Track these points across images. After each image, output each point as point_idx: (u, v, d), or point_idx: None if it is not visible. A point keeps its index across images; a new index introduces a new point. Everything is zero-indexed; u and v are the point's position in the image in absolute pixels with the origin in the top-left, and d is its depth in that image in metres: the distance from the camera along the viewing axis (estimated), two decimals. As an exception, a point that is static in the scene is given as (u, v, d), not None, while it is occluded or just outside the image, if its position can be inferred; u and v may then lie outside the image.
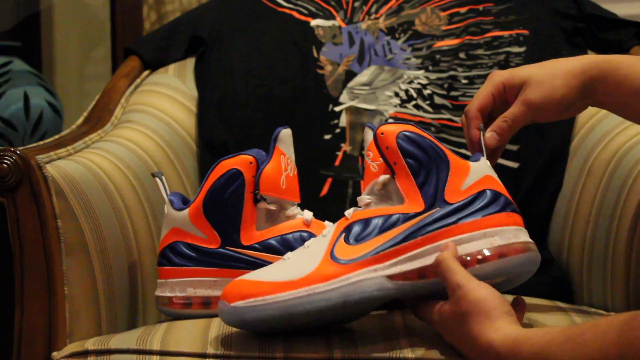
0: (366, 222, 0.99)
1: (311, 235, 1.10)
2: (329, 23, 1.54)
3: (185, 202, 1.14)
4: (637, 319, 0.79)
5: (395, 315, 1.06)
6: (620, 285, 1.20)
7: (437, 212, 0.97)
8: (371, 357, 0.97)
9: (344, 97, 1.48)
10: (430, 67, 1.48)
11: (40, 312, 1.08)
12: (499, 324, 0.91)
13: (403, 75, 1.48)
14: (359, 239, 0.98)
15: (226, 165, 1.11)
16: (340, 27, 1.53)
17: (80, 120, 1.40)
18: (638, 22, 1.46)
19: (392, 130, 0.99)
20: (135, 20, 2.08)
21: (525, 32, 1.49)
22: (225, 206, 1.10)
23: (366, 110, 1.47)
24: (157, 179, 1.17)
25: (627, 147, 1.27)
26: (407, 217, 0.98)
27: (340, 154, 1.45)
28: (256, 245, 1.10)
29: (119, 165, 1.27)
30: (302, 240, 1.08)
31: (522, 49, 1.47)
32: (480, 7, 1.52)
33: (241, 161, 1.11)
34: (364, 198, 1.02)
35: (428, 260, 0.96)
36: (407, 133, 0.99)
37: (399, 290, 0.96)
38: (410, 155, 0.99)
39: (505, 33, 1.49)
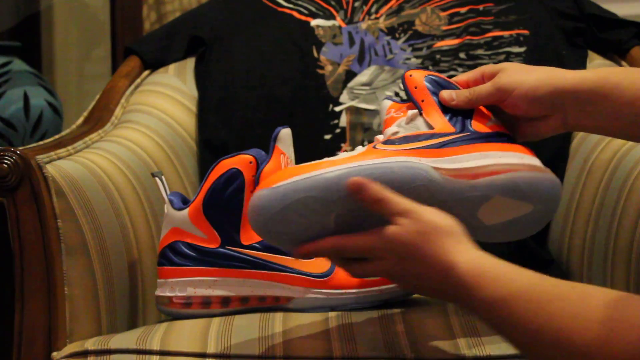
0: (402, 137, 0.99)
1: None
2: (329, 23, 1.54)
3: (185, 202, 1.14)
4: (629, 300, 0.74)
5: (395, 315, 1.06)
6: (620, 285, 1.20)
7: (469, 135, 1.00)
8: (371, 356, 0.97)
9: (344, 97, 1.48)
10: (430, 67, 1.48)
11: (40, 312, 1.08)
12: (464, 246, 0.85)
13: (403, 75, 1.48)
14: (398, 143, 0.98)
15: (226, 164, 1.11)
16: (340, 27, 1.53)
17: (80, 120, 1.40)
18: (638, 22, 1.46)
19: (420, 73, 1.04)
20: (135, 20, 2.09)
21: (526, 32, 1.49)
22: (225, 206, 1.10)
23: (366, 110, 1.47)
24: (157, 179, 1.17)
25: (628, 147, 1.27)
26: (442, 134, 0.99)
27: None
28: (256, 245, 1.10)
29: (119, 165, 1.27)
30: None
31: (522, 49, 1.47)
32: (481, 7, 1.52)
33: (241, 161, 1.11)
34: (391, 129, 1.02)
35: (467, 164, 0.97)
36: (434, 77, 1.03)
37: (443, 183, 0.95)
38: (437, 95, 1.02)
39: (506, 33, 1.49)
